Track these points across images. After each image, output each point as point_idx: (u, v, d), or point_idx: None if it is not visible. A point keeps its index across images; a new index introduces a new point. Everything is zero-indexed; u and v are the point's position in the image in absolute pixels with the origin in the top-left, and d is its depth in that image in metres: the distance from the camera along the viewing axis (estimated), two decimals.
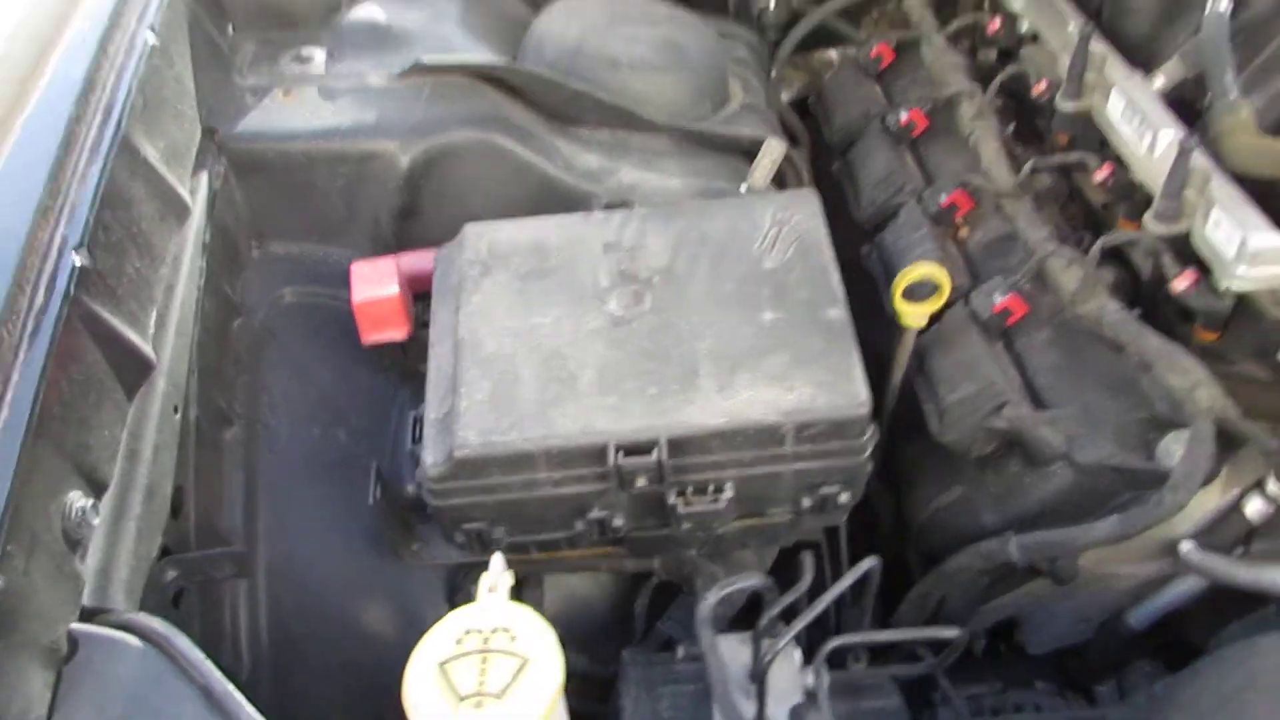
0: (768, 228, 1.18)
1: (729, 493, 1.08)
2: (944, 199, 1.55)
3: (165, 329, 1.14)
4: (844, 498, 1.13)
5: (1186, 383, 1.22)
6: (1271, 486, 1.25)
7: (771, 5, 1.83)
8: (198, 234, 1.24)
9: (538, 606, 1.19)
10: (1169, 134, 1.34)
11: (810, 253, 1.15)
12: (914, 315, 1.40)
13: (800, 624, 1.02)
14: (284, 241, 1.38)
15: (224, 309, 1.28)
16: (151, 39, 1.23)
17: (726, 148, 1.47)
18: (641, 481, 1.05)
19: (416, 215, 1.35)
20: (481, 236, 1.20)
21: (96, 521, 0.96)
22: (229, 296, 1.30)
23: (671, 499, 1.07)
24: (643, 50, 1.48)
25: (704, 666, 1.07)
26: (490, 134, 1.34)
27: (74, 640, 0.89)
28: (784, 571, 1.16)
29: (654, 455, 1.01)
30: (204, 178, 1.29)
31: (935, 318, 1.44)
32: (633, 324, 1.11)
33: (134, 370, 1.05)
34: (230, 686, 0.87)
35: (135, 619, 0.91)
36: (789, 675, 1.14)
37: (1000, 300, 1.39)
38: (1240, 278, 1.23)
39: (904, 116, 1.71)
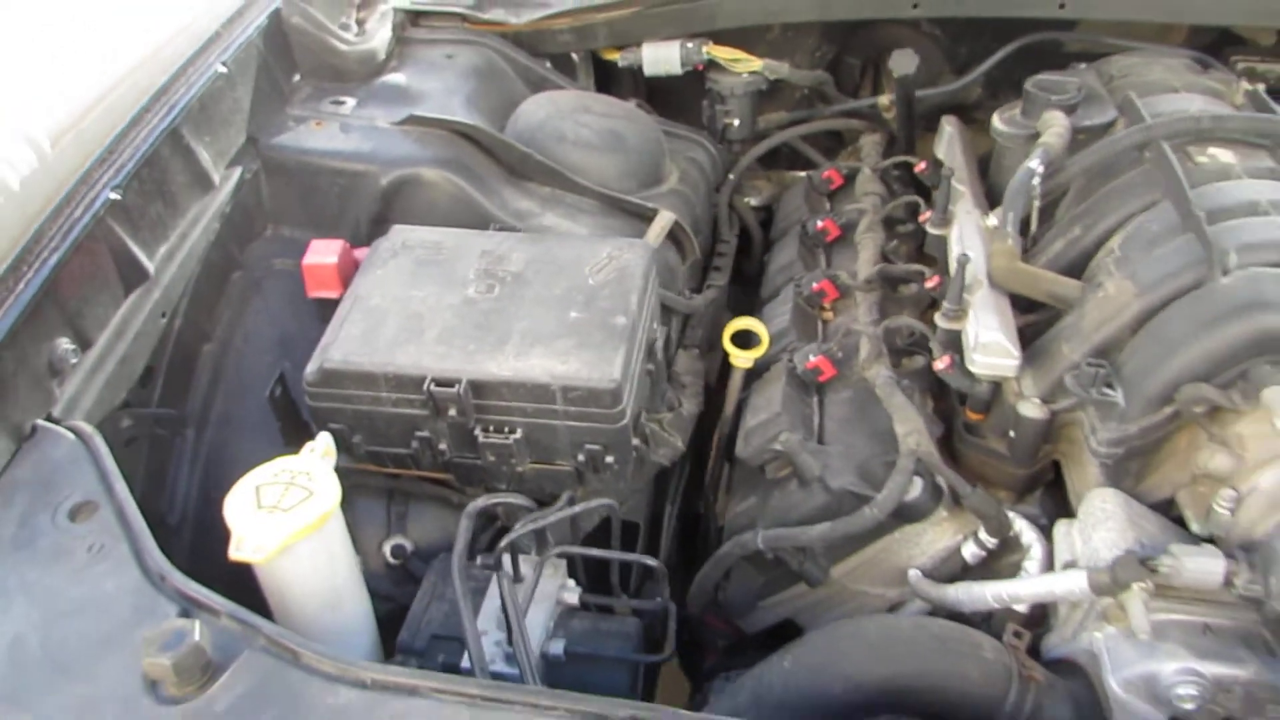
0: (602, 259, 1.57)
1: (519, 434, 1.44)
2: (813, 286, 1.90)
3: (171, 260, 1.62)
4: (610, 459, 1.47)
5: (905, 430, 1.52)
6: (982, 535, 1.52)
7: (735, 123, 2.24)
8: (221, 205, 1.74)
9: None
10: (956, 251, 1.66)
11: (624, 279, 1.53)
12: (739, 358, 1.75)
13: (520, 530, 1.36)
14: (290, 227, 1.85)
15: (228, 262, 1.76)
16: (221, 69, 1.75)
17: (636, 214, 1.87)
18: (452, 412, 1.43)
19: (386, 222, 1.80)
20: (402, 233, 1.64)
21: (75, 362, 1.41)
22: (234, 255, 1.78)
23: (476, 431, 1.45)
24: (587, 133, 1.92)
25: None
26: (446, 172, 1.79)
27: (35, 429, 1.34)
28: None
29: (456, 389, 1.40)
30: (238, 170, 1.79)
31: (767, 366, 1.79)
32: (478, 304, 1.51)
33: (134, 276, 1.53)
34: (128, 494, 1.26)
35: (77, 424, 1.35)
36: (549, 588, 1.47)
37: (812, 360, 1.72)
38: (976, 363, 1.53)
39: (819, 224, 2.08)
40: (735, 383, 1.77)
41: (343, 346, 1.46)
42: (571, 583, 1.51)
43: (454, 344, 1.45)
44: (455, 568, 1.30)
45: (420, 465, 1.54)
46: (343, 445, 1.53)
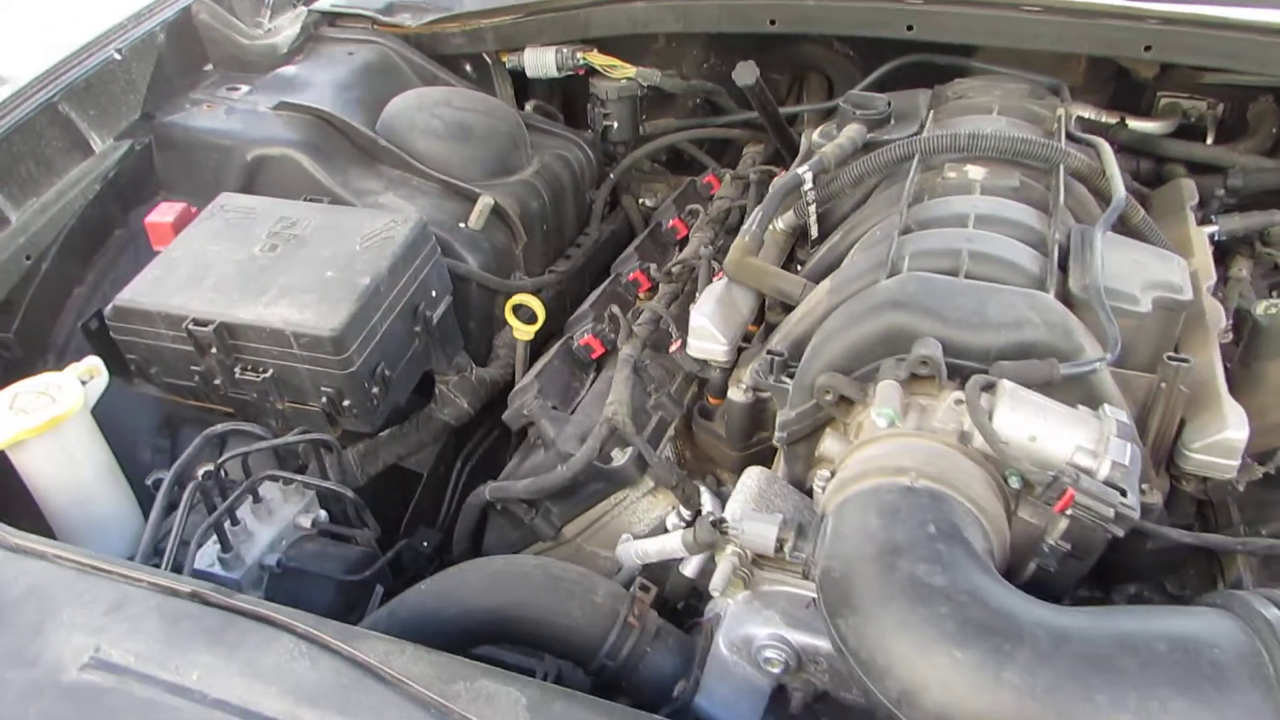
0: (377, 228, 1.76)
1: (270, 373, 1.65)
2: (629, 276, 2.04)
3: (43, 212, 1.91)
4: (347, 402, 1.66)
5: (610, 402, 1.65)
6: (682, 510, 1.63)
7: (615, 125, 2.39)
8: (105, 170, 2.02)
9: None
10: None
11: (385, 246, 1.72)
12: (520, 331, 1.90)
13: (231, 456, 1.56)
14: (178, 195, 2.11)
15: (109, 221, 2.04)
16: (115, 55, 2.04)
17: (468, 197, 2.05)
18: (213, 350, 1.65)
19: (250, 192, 2.05)
20: (225, 199, 1.88)
21: None
22: (117, 215, 2.06)
23: (235, 369, 1.67)
24: (436, 124, 2.12)
25: None
26: (296, 152, 2.02)
27: None
28: None
29: (209, 329, 1.62)
30: (128, 142, 2.08)
31: None
32: (257, 261, 1.73)
33: None
34: None
35: None
36: (286, 512, 1.67)
37: (584, 338, 1.86)
38: (690, 347, 1.65)
39: (669, 223, 2.22)
40: (519, 353, 1.93)
41: (134, 288, 1.70)
42: (321, 514, 1.70)
43: (222, 292, 1.67)
44: (166, 479, 1.52)
45: (207, 398, 1.77)
46: (144, 375, 1.78)
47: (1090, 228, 1.54)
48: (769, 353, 1.52)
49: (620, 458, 1.66)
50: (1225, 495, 1.46)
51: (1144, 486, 1.39)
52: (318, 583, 1.59)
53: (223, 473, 1.57)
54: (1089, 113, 2.37)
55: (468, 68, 2.55)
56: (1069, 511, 1.19)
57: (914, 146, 1.73)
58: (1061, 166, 1.68)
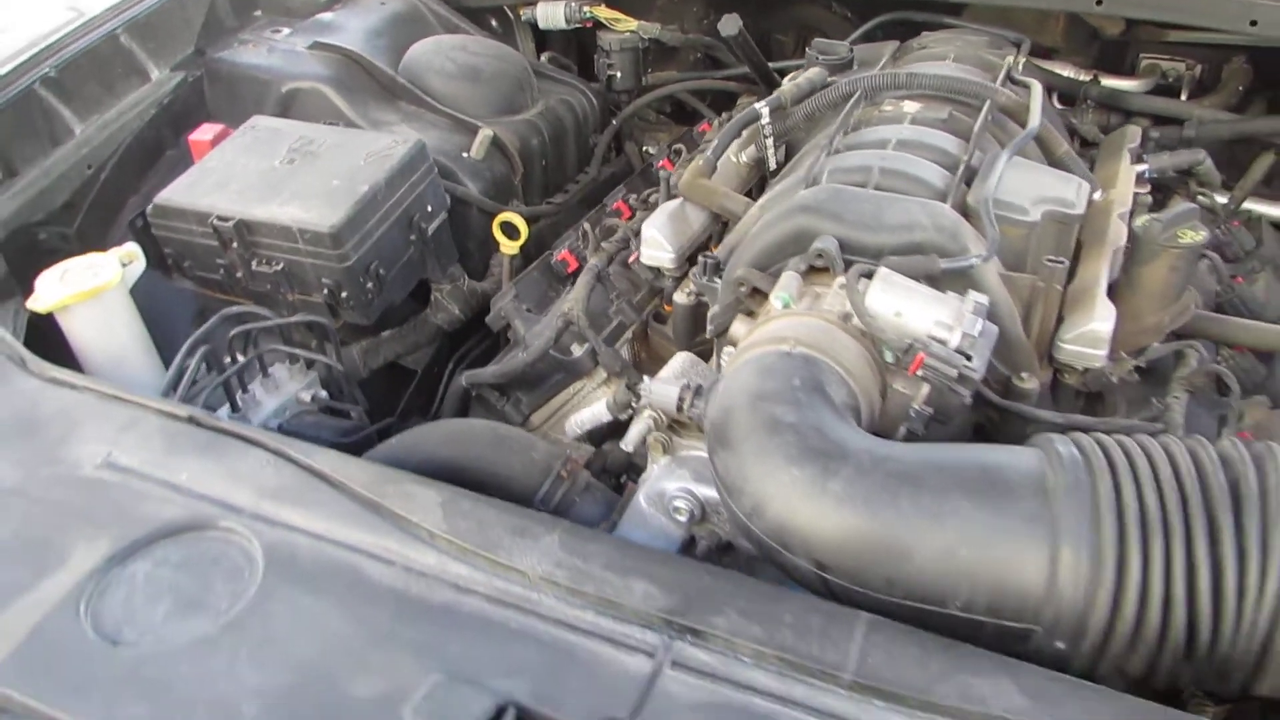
0: (381, 147, 2.01)
1: (280, 266, 1.91)
2: (614, 204, 2.26)
3: (105, 128, 2.21)
4: (345, 294, 1.91)
5: (568, 300, 1.87)
6: (620, 394, 1.84)
7: (618, 75, 2.61)
8: (160, 96, 2.31)
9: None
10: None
11: (384, 161, 1.97)
12: (505, 245, 2.14)
13: (242, 328, 1.82)
14: (224, 122, 2.40)
15: (162, 141, 2.34)
16: None
17: (473, 129, 2.29)
18: (234, 244, 1.92)
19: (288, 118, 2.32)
20: (257, 120, 2.15)
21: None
22: (169, 137, 2.35)
23: (252, 262, 1.94)
24: (450, 66, 2.36)
25: None
26: (323, 85, 2.29)
27: None
28: None
29: (230, 224, 1.88)
30: (181, 74, 2.37)
31: None
32: (276, 171, 1.99)
33: (61, 133, 2.12)
34: None
35: None
36: (292, 387, 1.92)
37: (560, 254, 2.09)
38: (642, 255, 1.86)
39: (660, 163, 2.43)
40: (505, 267, 2.17)
41: (172, 190, 1.98)
42: (323, 393, 1.96)
43: (243, 195, 1.94)
44: (183, 348, 1.78)
45: (232, 290, 2.04)
46: (180, 269, 2.06)
47: (999, 151, 1.71)
48: (704, 256, 1.73)
49: (577, 351, 1.88)
50: (1103, 386, 1.61)
51: (1023, 374, 1.57)
52: None
53: (234, 348, 1.83)
54: (1069, 70, 2.52)
55: (493, 22, 2.79)
56: (920, 373, 1.38)
57: (858, 84, 1.92)
58: (989, 102, 1.84)
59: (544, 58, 2.73)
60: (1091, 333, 1.55)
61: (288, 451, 1.38)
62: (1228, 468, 1.14)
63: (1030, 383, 1.57)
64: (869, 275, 1.45)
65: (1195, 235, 1.55)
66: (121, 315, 1.86)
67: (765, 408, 1.32)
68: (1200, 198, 2.12)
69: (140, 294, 1.94)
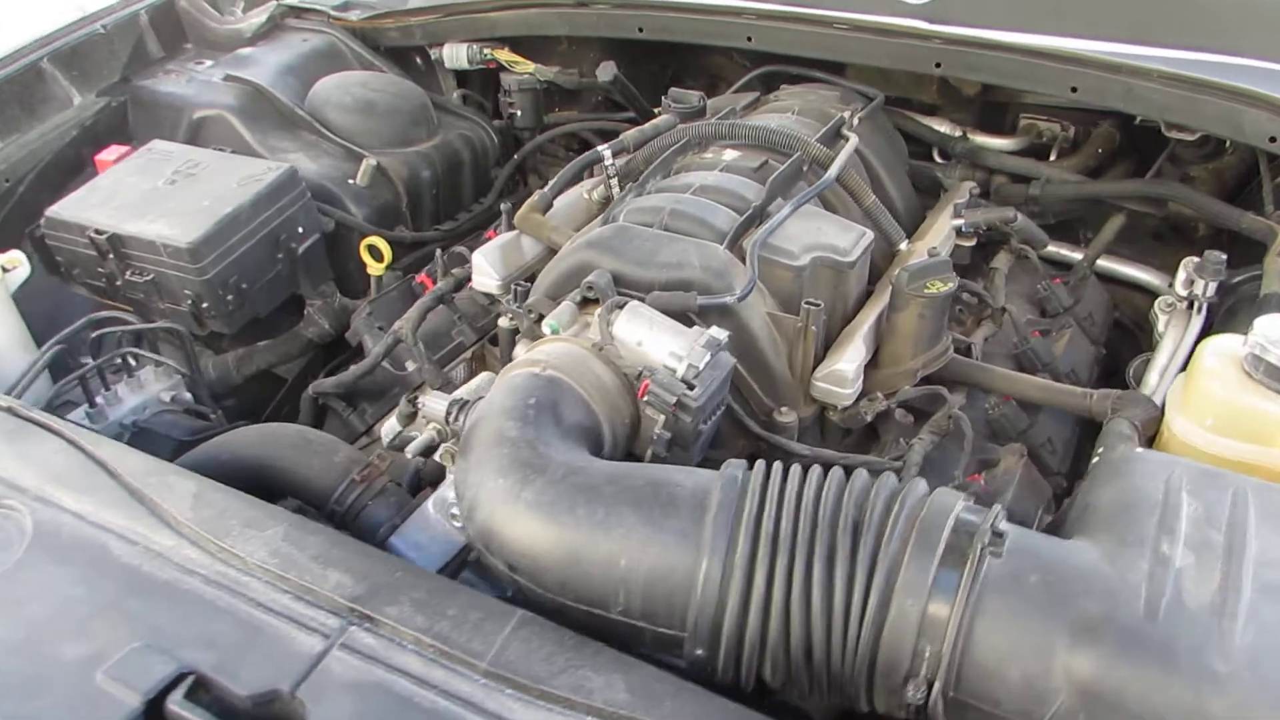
0: (256, 172, 2.19)
1: (150, 277, 2.09)
2: (488, 232, 2.42)
3: (24, 147, 2.41)
4: (205, 304, 2.08)
5: (403, 320, 2.02)
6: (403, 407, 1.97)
7: (519, 114, 2.77)
8: (81, 119, 2.52)
9: None
10: None
11: (253, 186, 2.14)
12: (371, 266, 2.30)
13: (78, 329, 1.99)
14: (142, 143, 2.61)
15: (84, 160, 2.53)
16: (100, 29, 2.55)
17: (360, 158, 2.47)
18: (110, 256, 2.10)
19: (194, 143, 2.51)
20: (157, 144, 2.34)
21: None
22: (89, 156, 2.54)
23: (127, 273, 2.11)
24: (347, 100, 2.55)
25: None
26: (228, 114, 2.48)
27: None
28: None
29: (104, 237, 2.06)
30: (105, 99, 2.57)
31: None
32: (158, 191, 2.17)
33: None
34: None
35: None
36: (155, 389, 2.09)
37: (419, 276, 2.25)
38: (474, 280, 2.00)
39: None
40: (373, 287, 2.33)
41: (62, 204, 2.17)
42: (187, 396, 2.12)
43: (122, 211, 2.12)
44: (43, 355, 1.96)
45: (114, 298, 2.22)
46: (70, 276, 2.25)
47: (787, 200, 1.83)
48: (515, 285, 1.87)
49: (411, 367, 2.03)
50: (859, 424, 1.72)
51: (783, 409, 1.69)
52: (163, 442, 2.01)
53: (94, 349, 2.00)
54: (945, 126, 2.64)
55: (418, 60, 2.97)
56: (646, 398, 1.51)
57: (686, 132, 2.06)
58: (799, 154, 1.97)
59: (456, 95, 2.90)
60: (837, 372, 1.66)
61: (79, 441, 1.54)
62: (862, 502, 1.25)
63: (788, 417, 1.69)
64: (620, 306, 1.58)
65: (942, 286, 1.66)
66: (2, 317, 2.04)
67: (497, 422, 1.45)
68: (1024, 253, 2.22)
69: (44, 298, 2.14)
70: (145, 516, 1.41)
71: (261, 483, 1.77)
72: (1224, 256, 1.91)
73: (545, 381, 1.53)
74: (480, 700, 1.15)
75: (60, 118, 2.50)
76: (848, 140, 2.06)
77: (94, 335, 1.99)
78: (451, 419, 1.61)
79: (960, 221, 2.12)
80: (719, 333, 1.56)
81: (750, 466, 1.64)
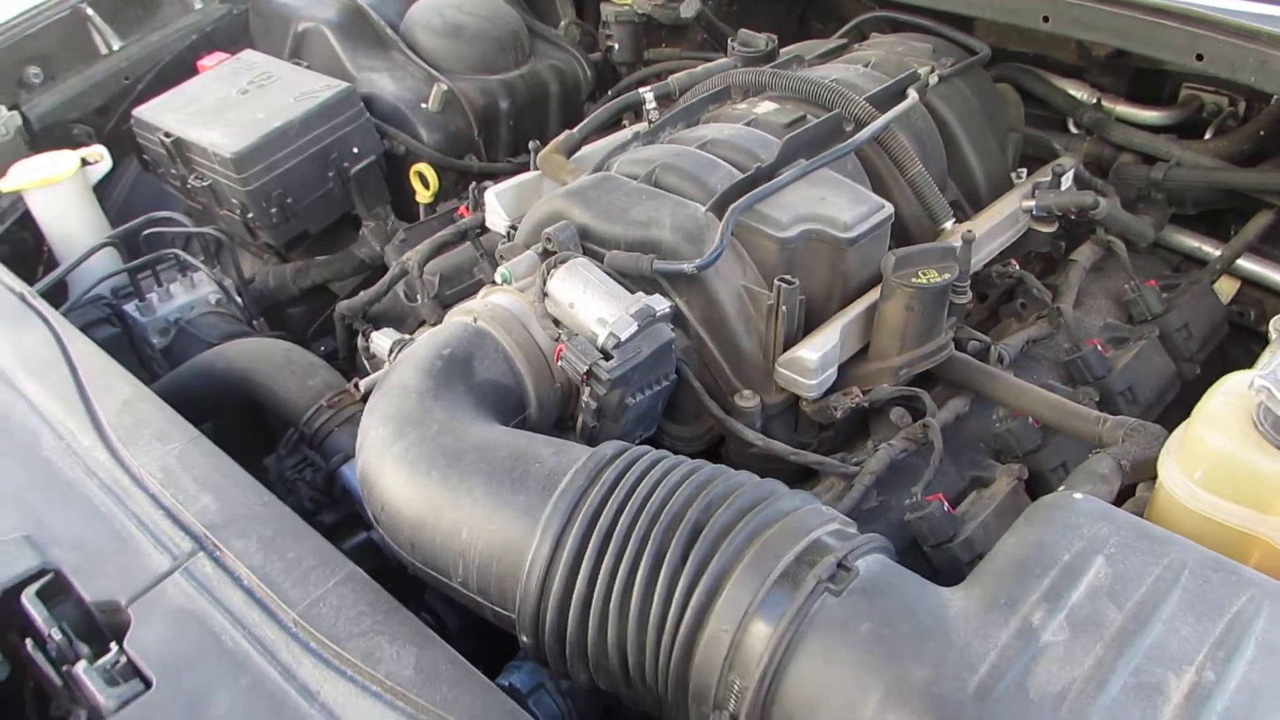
0: (311, 89, 2.22)
1: (208, 183, 2.18)
2: None
3: (146, 47, 2.56)
4: (250, 215, 2.15)
5: (411, 253, 2.00)
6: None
7: (616, 47, 2.66)
8: (200, 24, 2.64)
9: None
10: None
11: (306, 103, 2.17)
12: (420, 193, 2.29)
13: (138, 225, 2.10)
14: (260, 49, 2.70)
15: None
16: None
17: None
18: (177, 160, 2.20)
19: (298, 55, 2.58)
20: (247, 54, 2.42)
21: (38, 83, 2.41)
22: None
23: (189, 176, 2.21)
24: (437, 22, 2.53)
25: None
26: (326, 28, 2.52)
27: None
28: None
29: (170, 140, 2.17)
30: (226, 7, 2.68)
31: None
32: (229, 99, 2.25)
33: (102, 46, 2.49)
34: None
35: None
36: (203, 291, 2.20)
37: (460, 209, 2.22)
38: (487, 219, 1.95)
39: None
40: (421, 212, 2.32)
41: (147, 106, 2.29)
42: (238, 300, 2.22)
43: (193, 117, 2.21)
44: (90, 251, 2.08)
45: (190, 198, 2.33)
46: (154, 171, 2.38)
47: (805, 162, 1.65)
48: (510, 229, 1.81)
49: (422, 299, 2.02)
50: (829, 419, 1.55)
51: (745, 392, 1.56)
52: (198, 342, 2.11)
53: (146, 247, 2.12)
54: (1081, 91, 2.32)
55: None
56: (560, 363, 1.42)
57: (727, 80, 1.90)
58: (837, 111, 1.77)
59: (563, 24, 2.82)
60: (799, 360, 1.50)
61: (60, 335, 1.63)
62: (715, 506, 1.12)
63: (749, 401, 1.55)
64: (564, 262, 1.49)
65: (935, 276, 1.46)
66: (77, 204, 2.19)
67: (405, 369, 1.42)
68: (1112, 244, 1.91)
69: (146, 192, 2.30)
70: (80, 416, 1.47)
71: (245, 394, 1.83)
72: None
73: (470, 333, 1.47)
74: (277, 650, 1.13)
75: (183, 22, 2.63)
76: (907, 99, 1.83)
77: (144, 234, 2.11)
78: (391, 358, 1.58)
79: (1032, 204, 1.85)
80: (659, 303, 1.44)
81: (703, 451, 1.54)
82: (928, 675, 0.95)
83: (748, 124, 1.79)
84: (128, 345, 2.11)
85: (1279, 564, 1.14)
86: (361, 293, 2.01)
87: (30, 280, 1.86)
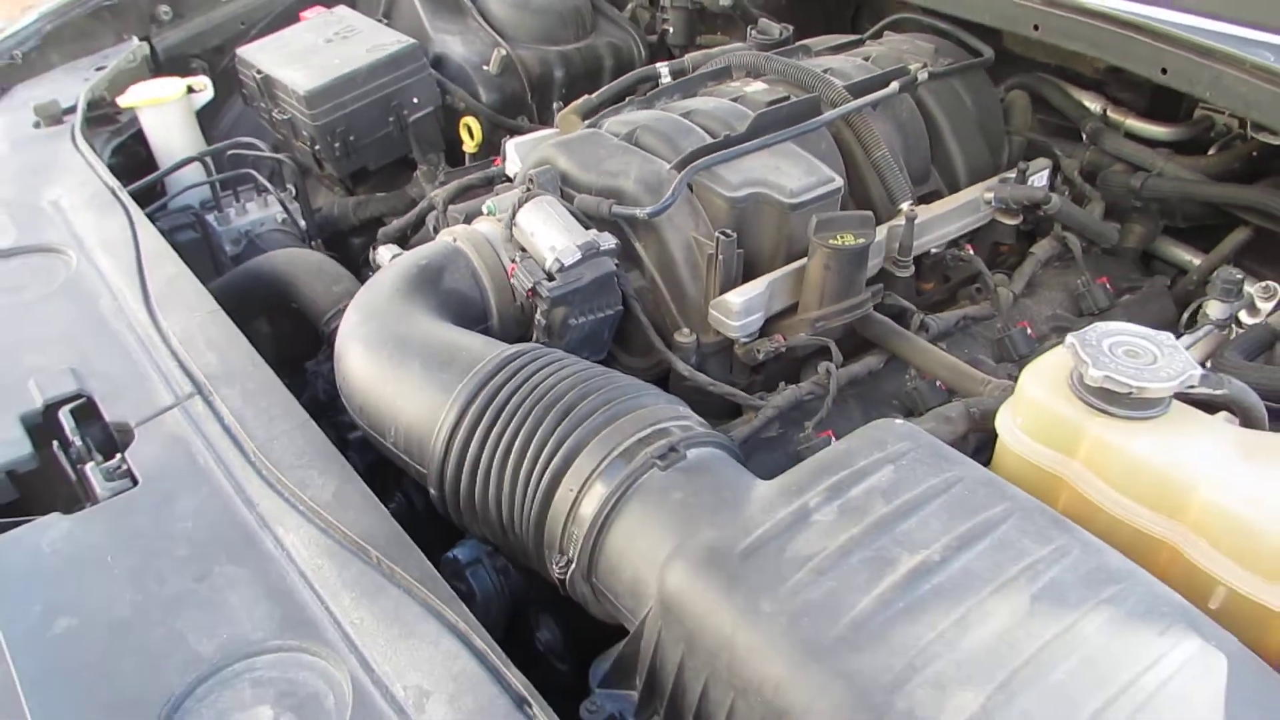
0: (383, 42, 2.52)
1: (287, 116, 2.51)
2: None
3: None
4: (317, 148, 2.47)
5: (436, 190, 2.27)
6: None
7: (670, 30, 2.89)
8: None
9: None
10: None
11: (375, 54, 2.47)
12: (466, 143, 2.57)
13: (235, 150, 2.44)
14: (361, 8, 3.04)
15: None
16: None
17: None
18: (265, 94, 2.54)
19: (390, 16, 2.90)
20: (339, 9, 2.75)
21: (167, 19, 2.79)
22: None
23: (273, 110, 2.55)
24: None
25: None
26: None
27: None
28: None
29: (260, 76, 2.50)
30: None
31: None
32: (315, 46, 2.57)
33: None
34: None
35: None
36: (275, 210, 2.53)
37: (496, 160, 2.49)
38: (506, 166, 2.22)
39: None
40: (466, 160, 2.60)
41: (248, 46, 2.64)
42: (302, 224, 2.55)
43: (282, 58, 2.54)
44: (172, 166, 2.44)
45: (273, 127, 2.67)
46: (252, 105, 2.74)
47: (775, 134, 1.85)
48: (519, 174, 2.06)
49: None
50: (753, 361, 1.75)
51: (685, 330, 1.78)
52: (260, 253, 2.44)
53: (228, 166, 2.47)
54: (1096, 103, 2.43)
55: None
56: (512, 280, 1.67)
57: (725, 61, 2.12)
58: (818, 94, 1.96)
59: (631, 6, 3.05)
60: (725, 302, 1.71)
61: (135, 225, 1.96)
62: (584, 396, 1.35)
63: (687, 338, 1.77)
64: (532, 199, 1.73)
65: (851, 239, 1.64)
66: (179, 124, 2.55)
67: (388, 271, 1.69)
68: (1067, 240, 2.04)
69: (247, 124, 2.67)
70: (135, 285, 1.80)
71: (279, 292, 2.14)
72: (1238, 275, 1.67)
73: (448, 250, 1.73)
74: (234, 470, 1.41)
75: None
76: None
77: (228, 154, 2.46)
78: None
79: (991, 194, 2.00)
80: (606, 240, 1.66)
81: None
82: (711, 536, 1.16)
83: (735, 99, 1.99)
84: (206, 249, 2.46)
85: (1081, 504, 1.30)
86: (394, 221, 2.29)
87: None
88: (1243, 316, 1.84)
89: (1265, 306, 1.81)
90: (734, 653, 1.05)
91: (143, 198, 2.29)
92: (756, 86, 2.04)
